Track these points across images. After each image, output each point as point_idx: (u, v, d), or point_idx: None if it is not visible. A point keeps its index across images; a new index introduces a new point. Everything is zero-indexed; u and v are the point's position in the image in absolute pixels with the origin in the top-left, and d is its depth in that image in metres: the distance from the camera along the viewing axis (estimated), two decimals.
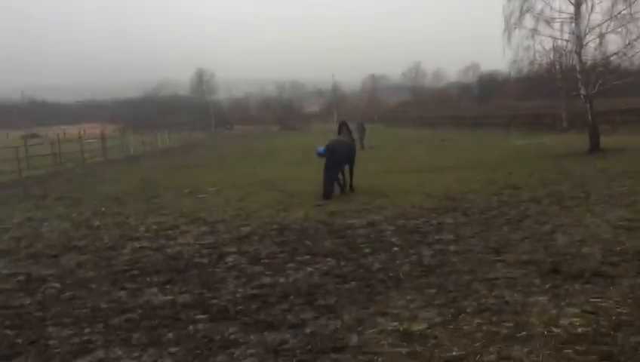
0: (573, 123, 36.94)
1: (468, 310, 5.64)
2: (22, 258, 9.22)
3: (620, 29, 21.43)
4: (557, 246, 8.06)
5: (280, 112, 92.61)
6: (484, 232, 9.25)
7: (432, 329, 5.20)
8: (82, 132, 63.12)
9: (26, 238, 10.91)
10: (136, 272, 7.93)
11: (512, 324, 5.21)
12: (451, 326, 5.26)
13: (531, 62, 23.25)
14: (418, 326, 5.29)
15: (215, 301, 6.45)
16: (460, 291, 6.26)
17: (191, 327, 5.64)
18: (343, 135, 16.31)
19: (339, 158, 15.00)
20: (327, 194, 14.26)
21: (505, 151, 26.45)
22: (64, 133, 69.24)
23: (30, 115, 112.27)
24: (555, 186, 13.78)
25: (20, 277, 7.98)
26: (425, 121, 62.84)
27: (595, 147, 21.72)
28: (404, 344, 4.92)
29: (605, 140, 23.05)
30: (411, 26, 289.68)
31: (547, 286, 6.28)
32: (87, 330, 5.70)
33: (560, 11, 21.98)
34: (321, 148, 26.09)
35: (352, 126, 19.15)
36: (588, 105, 22.34)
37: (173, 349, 5.12)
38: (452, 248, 8.29)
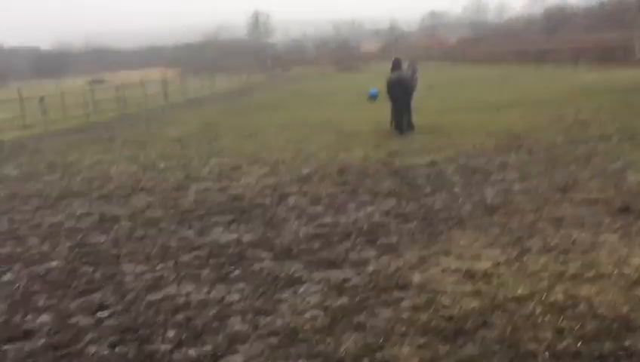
0: None
1: (533, 249, 5.56)
2: (95, 198, 9.65)
3: None
4: (628, 184, 7.75)
5: (337, 53, 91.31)
6: (549, 171, 8.99)
7: (495, 268, 5.17)
8: (144, 76, 64.47)
9: (97, 180, 11.38)
10: (201, 212, 8.18)
11: (579, 264, 5.11)
12: (516, 266, 5.21)
13: None
14: (482, 265, 5.26)
15: (278, 240, 6.60)
16: (524, 230, 6.16)
17: (256, 265, 5.81)
18: (399, 72, 15.59)
19: (406, 90, 14.88)
20: (407, 128, 14.64)
21: (573, 86, 25.27)
22: (127, 78, 70.95)
23: (94, 60, 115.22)
24: (626, 122, 13.14)
25: (94, 217, 8.37)
26: (488, 57, 60.60)
27: None
28: (468, 282, 4.92)
29: None
30: None
31: (617, 225, 6.10)
32: (158, 267, 5.98)
33: None
34: (374, 90, 25.78)
35: (405, 65, 18.52)
36: None
37: (240, 285, 5.31)
38: (516, 187, 8.12)
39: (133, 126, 22.89)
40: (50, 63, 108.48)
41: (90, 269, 6.07)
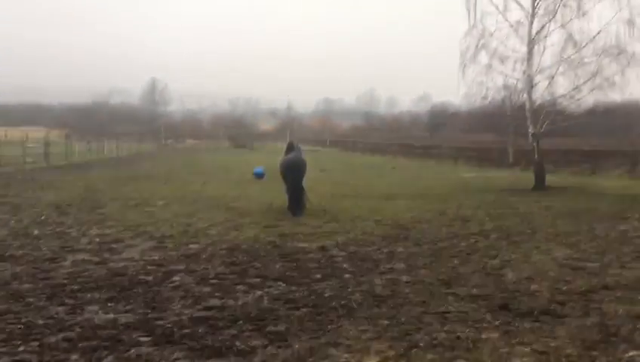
0: (518, 159, 38.05)
1: (420, 344, 5.58)
2: None
3: (568, 72, 22.32)
4: (506, 281, 8.14)
5: (232, 128, 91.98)
6: (435, 263, 9.28)
7: None
8: (25, 135, 61.02)
9: None
10: (76, 287, 7.54)
11: None
12: (404, 361, 5.17)
13: (484, 97, 23.85)
14: (370, 360, 5.18)
15: (160, 322, 6.17)
16: (412, 323, 6.19)
17: (133, 350, 5.36)
18: (294, 153, 15.91)
19: (303, 173, 15.21)
20: (301, 211, 14.61)
21: (453, 182, 26.93)
22: (5, 135, 66.79)
23: None
24: (503, 221, 14.04)
25: None
26: (377, 147, 63.65)
27: (540, 184, 22.36)
28: None
29: (550, 179, 23.79)
30: (366, 53, 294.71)
31: (497, 322, 6.30)
32: (21, 348, 5.34)
33: (514, 50, 22.73)
34: (259, 169, 26.06)
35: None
36: (535, 143, 23.05)
37: None
38: (404, 278, 8.26)
39: (6, 187, 21.29)
40: None
41: None
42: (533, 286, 7.82)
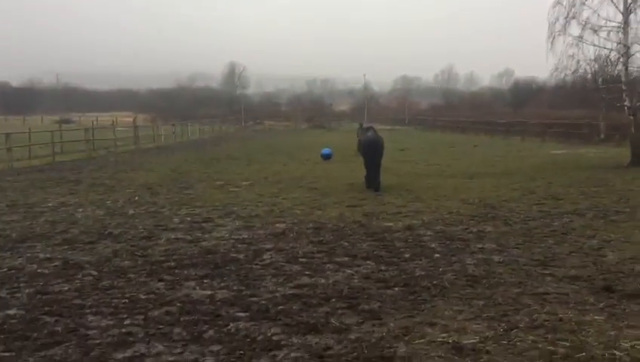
0: (611, 135, 36.09)
1: (520, 325, 5.39)
2: (58, 243, 9.19)
3: None
4: (607, 262, 7.74)
5: (310, 110, 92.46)
6: (528, 243, 8.96)
7: (483, 344, 4.97)
8: (115, 120, 63.99)
9: (61, 223, 10.92)
10: (172, 264, 7.83)
11: (568, 344, 4.94)
12: (504, 342, 5.01)
13: (575, 71, 22.66)
14: (469, 340, 5.06)
15: (255, 299, 6.30)
16: (509, 304, 6.00)
17: (232, 325, 5.49)
18: (373, 133, 16.72)
19: (381, 152, 15.87)
20: (377, 186, 15.12)
21: (541, 159, 25.89)
22: (97, 120, 70.32)
23: (64, 100, 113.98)
24: (598, 199, 13.36)
25: (57, 263, 7.94)
26: (457, 125, 62.10)
27: (637, 160, 21.06)
28: (456, 358, 4.70)
29: None
30: (445, 30, 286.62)
31: (601, 304, 6.00)
32: (127, 322, 5.60)
33: (607, 19, 21.36)
34: (327, 150, 26.01)
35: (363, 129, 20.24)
36: (632, 117, 21.70)
37: (214, 347, 4.98)
38: (496, 258, 8.02)
39: (101, 169, 22.41)
40: (18, 100, 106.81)
41: (52, 320, 5.65)
42: (638, 268, 7.38)
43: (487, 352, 4.80)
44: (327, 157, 25.79)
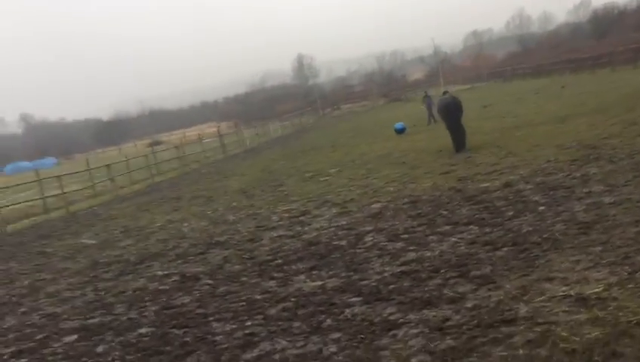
0: None
1: None
2: (172, 258, 9.70)
3: None
4: None
5: (384, 85, 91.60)
6: (638, 179, 8.45)
7: (609, 291, 4.76)
8: (200, 132, 66.38)
9: (172, 240, 11.49)
10: (280, 261, 8.06)
11: None
12: (631, 286, 4.78)
13: None
14: (592, 289, 4.86)
15: (365, 282, 6.37)
16: (629, 246, 5.70)
17: (347, 311, 5.59)
18: (449, 95, 17.35)
19: (459, 112, 16.17)
20: (463, 145, 15.64)
21: (636, 88, 24.23)
22: (184, 136, 73.20)
23: (151, 123, 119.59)
24: None
25: (175, 278, 8.38)
26: (538, 69, 59.33)
27: None
28: (582, 310, 4.54)
29: None
30: None
31: None
32: (248, 323, 5.83)
33: None
34: (400, 125, 25.66)
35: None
36: None
37: (335, 335, 5.09)
38: (606, 200, 7.64)
39: (197, 182, 23.33)
40: (111, 132, 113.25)
41: (181, 332, 5.99)
42: None
43: (615, 299, 4.61)
44: (400, 131, 25.58)
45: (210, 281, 7.76)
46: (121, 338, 6.17)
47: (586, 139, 13.04)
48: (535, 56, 73.97)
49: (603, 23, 76.35)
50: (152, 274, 8.83)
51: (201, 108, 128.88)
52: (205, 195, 17.94)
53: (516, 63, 73.84)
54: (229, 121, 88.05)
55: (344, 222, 9.75)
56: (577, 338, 4.09)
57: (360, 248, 7.90)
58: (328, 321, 5.45)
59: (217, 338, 5.62)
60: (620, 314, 4.32)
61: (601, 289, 4.83)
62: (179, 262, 9.37)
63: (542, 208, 7.93)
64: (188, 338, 5.76)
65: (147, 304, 7.29)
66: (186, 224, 13.10)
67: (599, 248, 5.83)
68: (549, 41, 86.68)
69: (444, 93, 18.19)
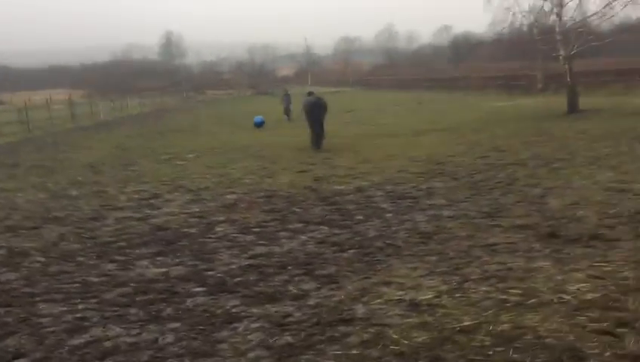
0: (548, 85, 37.10)
1: (472, 277, 5.55)
2: (0, 230, 8.85)
3: None
4: (551, 209, 8.02)
5: (253, 76, 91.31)
6: (475, 196, 9.19)
7: (439, 298, 5.09)
8: (49, 98, 61.44)
9: (2, 210, 10.49)
10: (123, 244, 7.66)
11: (519, 291, 5.12)
12: (458, 295, 5.15)
13: (511, 23, 23.10)
14: (425, 296, 5.17)
15: (211, 273, 6.24)
16: (461, 257, 6.16)
17: (189, 301, 5.44)
18: (314, 96, 18.03)
19: (323, 112, 17.04)
20: (319, 144, 16.62)
21: (483, 112, 26.46)
22: (30, 99, 67.34)
23: None
24: (539, 148, 13.79)
25: (1, 251, 7.64)
26: (400, 83, 62.60)
27: (573, 108, 21.81)
28: (414, 314, 4.81)
29: (583, 101, 23.15)
30: None
31: (547, 250, 6.23)
32: (80, 306, 5.45)
33: None
34: (259, 118, 26.16)
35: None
36: (567, 66, 22.34)
37: (173, 325, 4.92)
38: (446, 213, 8.20)
39: (39, 151, 21.56)
40: None
41: (2, 311, 5.45)
42: (580, 213, 7.69)
43: (443, 306, 4.93)
44: (259, 125, 25.77)
45: (41, 258, 7.16)
46: None
47: (435, 154, 13.94)
48: (398, 70, 77.97)
49: (461, 49, 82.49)
50: None
51: (52, 71, 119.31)
52: (48, 166, 16.64)
53: (381, 74, 77.29)
54: (84, 89, 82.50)
55: (196, 210, 9.52)
56: (407, 342, 4.31)
57: (210, 238, 7.75)
58: (168, 310, 5.26)
59: (43, 320, 5.18)
60: (446, 320, 4.63)
61: (432, 296, 5.15)
62: (8, 235, 8.56)
63: (388, 215, 8.33)
64: (9, 319, 5.25)
65: None
66: (20, 194, 12.03)
67: (435, 258, 6.22)
68: (412, 58, 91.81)
69: (309, 93, 18.78)
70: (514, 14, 22.74)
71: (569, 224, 7.19)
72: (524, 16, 22.92)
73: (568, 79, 22.51)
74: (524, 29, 24.47)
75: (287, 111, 29.40)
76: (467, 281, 5.46)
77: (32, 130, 30.97)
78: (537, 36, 23.90)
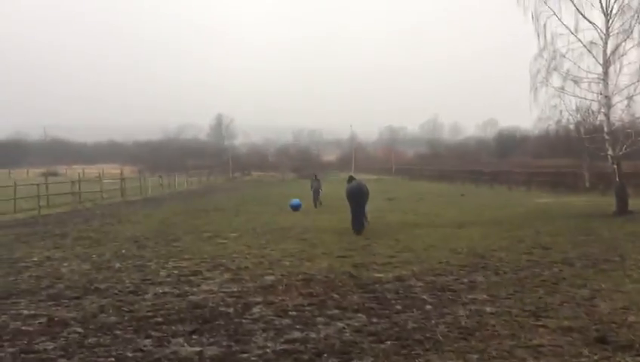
0: (595, 184, 36.51)
1: None
2: (43, 299, 9.01)
3: None
4: (599, 312, 7.69)
5: (297, 159, 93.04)
6: (519, 293, 8.91)
7: None
8: (101, 172, 63.89)
9: (47, 278, 10.72)
10: (160, 319, 7.68)
11: None
12: None
13: (558, 121, 23.10)
14: None
15: (245, 355, 6.16)
16: (504, 358, 5.92)
17: None
18: (357, 182, 18.89)
19: (365, 197, 17.78)
20: (360, 228, 17.01)
21: (528, 208, 26.07)
22: (83, 172, 70.11)
23: (51, 152, 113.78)
24: (586, 248, 13.39)
25: (41, 320, 7.75)
26: (443, 174, 62.69)
27: (622, 209, 21.26)
28: None
29: (633, 203, 22.60)
30: (429, 80, 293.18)
31: (596, 356, 5.93)
32: None
33: (588, 71, 21.90)
34: (295, 201, 26.43)
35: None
36: (615, 166, 22.02)
37: None
38: (488, 309, 7.96)
39: (87, 222, 22.18)
40: (4, 153, 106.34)
41: None
42: (631, 318, 7.35)
43: None
44: (296, 208, 26.04)
45: (80, 329, 7.23)
46: None
47: (478, 247, 13.70)
48: (442, 161, 78.31)
49: (506, 143, 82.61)
50: (17, 312, 8.14)
51: (108, 146, 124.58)
52: (93, 237, 17.05)
53: (424, 164, 77.72)
54: (135, 165, 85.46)
55: (234, 289, 9.52)
56: None
57: (246, 318, 7.70)
58: None
59: None
60: None
61: None
62: (50, 303, 8.71)
63: (428, 307, 8.13)
64: None
65: (4, 344, 6.66)
66: (66, 264, 12.31)
67: (476, 356, 6.00)
68: (456, 150, 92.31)
69: (350, 178, 19.61)
70: (561, 112, 22.80)
71: (620, 329, 6.87)
72: (571, 114, 22.95)
73: (617, 179, 22.12)
74: (571, 126, 24.40)
75: (315, 198, 29.02)
76: None
77: (82, 202, 32.01)
78: (585, 135, 23.78)
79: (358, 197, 17.57)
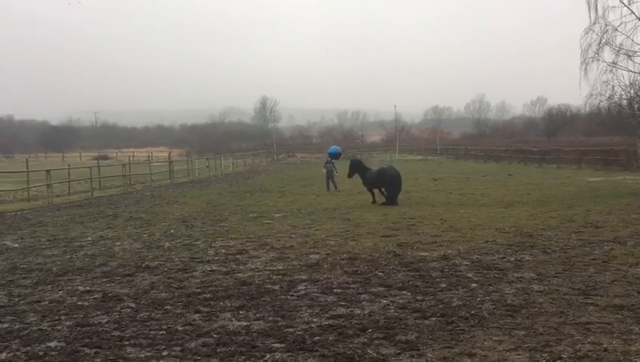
0: None
1: (563, 356, 5.25)
2: (97, 275, 9.36)
3: None
4: None
5: (341, 141, 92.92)
6: (567, 272, 8.75)
7: None
8: (150, 155, 65.32)
9: (100, 257, 11.11)
10: (208, 295, 7.88)
11: None
12: None
13: (610, 97, 22.34)
14: None
15: (291, 329, 6.28)
16: (551, 334, 5.85)
17: (268, 356, 5.48)
18: (390, 166, 22.00)
19: (399, 180, 20.11)
20: (396, 202, 19.64)
21: (578, 187, 25.41)
22: (133, 155, 71.82)
23: (101, 137, 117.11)
24: (639, 227, 13.01)
25: (96, 295, 8.07)
26: (490, 153, 61.53)
27: None
28: None
29: None
30: (475, 59, 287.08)
31: None
32: (164, 353, 5.64)
33: None
34: (335, 149, 27.00)
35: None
36: None
37: None
38: (535, 287, 7.85)
39: (138, 203, 22.80)
40: (57, 138, 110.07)
41: (92, 352, 5.72)
42: None
43: None
44: (335, 155, 26.61)
45: (132, 304, 7.50)
46: (28, 348, 5.86)
47: (525, 227, 13.47)
48: (488, 141, 76.84)
49: (555, 122, 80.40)
50: (73, 288, 8.49)
51: (156, 130, 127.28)
52: (144, 218, 17.53)
53: (470, 144, 76.42)
54: (182, 148, 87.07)
55: (280, 268, 9.66)
56: None
57: (292, 295, 7.82)
58: None
59: None
60: None
61: None
62: (104, 280, 9.04)
63: (474, 285, 8.08)
64: (98, 360, 5.50)
65: (62, 318, 6.97)
66: (118, 243, 12.72)
67: (522, 332, 5.95)
68: (503, 130, 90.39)
69: (383, 166, 22.14)
70: (613, 88, 22.02)
71: None
72: (623, 90, 22.14)
73: None
74: (624, 102, 23.55)
75: (330, 181, 26.89)
76: (557, 360, 5.16)
77: (133, 185, 32.87)
78: (638, 111, 22.95)
79: (399, 180, 20.01)
